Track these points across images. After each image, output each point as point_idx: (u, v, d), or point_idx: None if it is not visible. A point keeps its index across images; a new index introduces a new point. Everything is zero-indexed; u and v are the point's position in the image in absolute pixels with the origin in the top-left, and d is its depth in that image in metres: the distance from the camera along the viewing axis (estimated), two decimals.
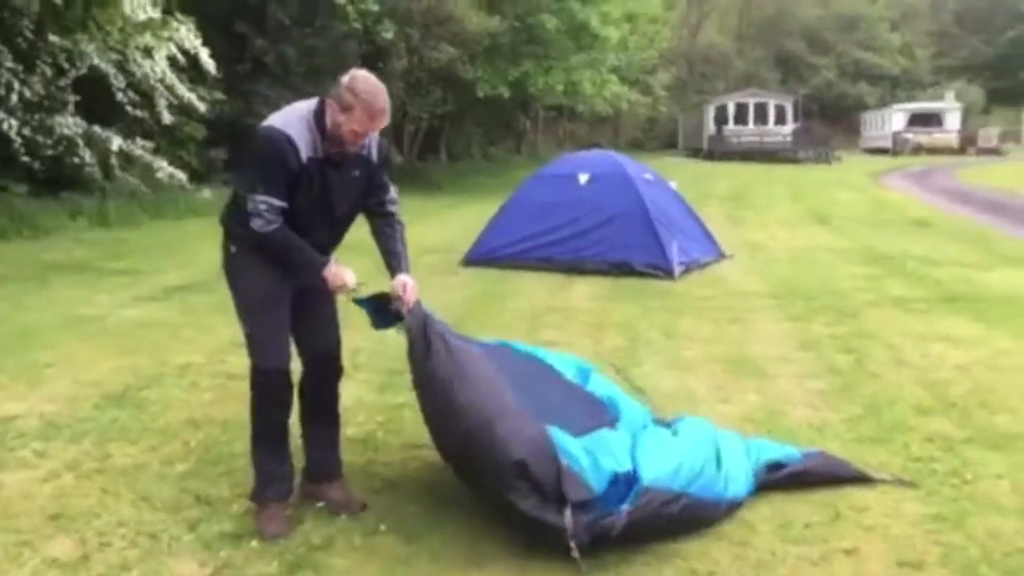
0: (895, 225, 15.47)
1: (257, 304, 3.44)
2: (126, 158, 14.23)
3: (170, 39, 12.21)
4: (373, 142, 3.49)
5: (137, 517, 3.58)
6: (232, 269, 3.51)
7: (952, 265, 10.24)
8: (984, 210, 18.39)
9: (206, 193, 15.21)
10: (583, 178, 10.07)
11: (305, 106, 3.36)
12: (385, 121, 3.30)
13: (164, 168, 13.78)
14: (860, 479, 3.88)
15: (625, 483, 3.24)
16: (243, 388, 5.28)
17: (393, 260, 3.60)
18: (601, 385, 4.16)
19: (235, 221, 3.44)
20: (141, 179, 14.26)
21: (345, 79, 3.27)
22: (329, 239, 3.56)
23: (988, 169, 33.50)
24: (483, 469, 3.30)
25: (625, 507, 3.15)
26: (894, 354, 6.13)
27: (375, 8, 18.31)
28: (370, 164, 3.52)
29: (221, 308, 7.54)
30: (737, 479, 3.65)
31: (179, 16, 12.21)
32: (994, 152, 45.83)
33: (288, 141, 3.24)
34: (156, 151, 14.52)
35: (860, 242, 12.80)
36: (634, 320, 7.31)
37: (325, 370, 3.67)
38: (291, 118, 3.32)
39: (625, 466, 3.29)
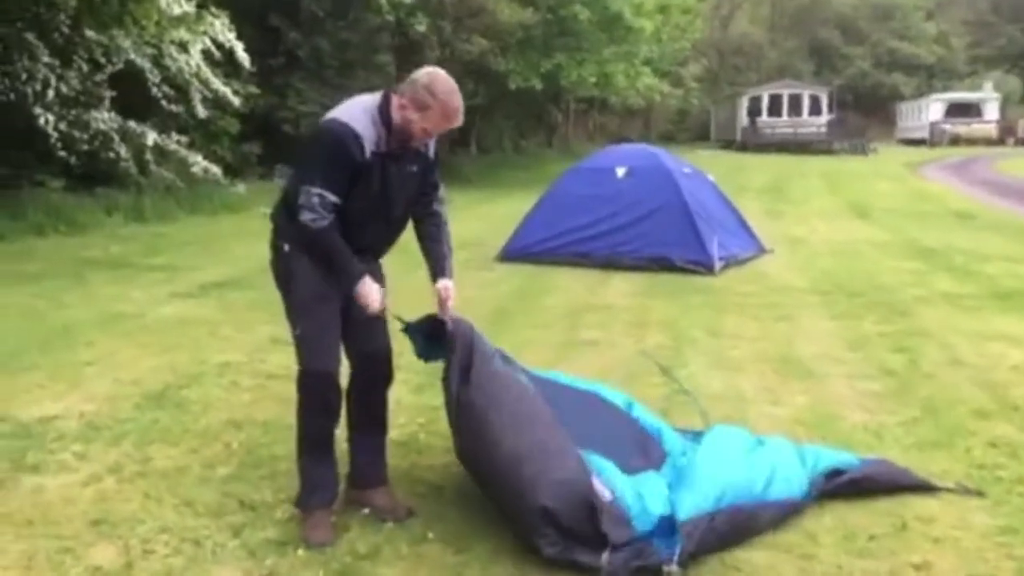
0: (937, 217, 15.19)
1: (308, 305, 3.34)
2: (160, 153, 14.23)
3: (205, 33, 12.19)
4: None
5: (180, 523, 3.50)
6: (283, 268, 3.41)
7: (1001, 260, 10.00)
8: None
9: (240, 188, 15.18)
10: (621, 172, 9.91)
11: (369, 100, 3.29)
12: (459, 121, 3.25)
13: (199, 163, 13.77)
14: (923, 487, 3.73)
15: (668, 525, 3.14)
16: (283, 388, 5.26)
17: (436, 264, 3.54)
18: (645, 414, 4.07)
19: (287, 218, 3.36)
20: (176, 174, 14.26)
21: (423, 79, 3.20)
22: (385, 238, 3.49)
23: None
24: (510, 508, 3.24)
25: (675, 563, 3.01)
26: (949, 353, 5.96)
27: (408, 0, 18.21)
28: (427, 160, 3.46)
29: (259, 305, 7.53)
30: (786, 480, 3.52)
31: (213, 10, 12.17)
32: None
33: (354, 135, 3.17)
34: (191, 146, 14.52)
35: (902, 235, 12.56)
36: (676, 318, 7.17)
37: (374, 374, 3.56)
38: (355, 111, 3.24)
39: (669, 509, 3.19)
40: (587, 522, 3.05)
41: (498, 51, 21.33)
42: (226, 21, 12.40)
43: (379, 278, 3.57)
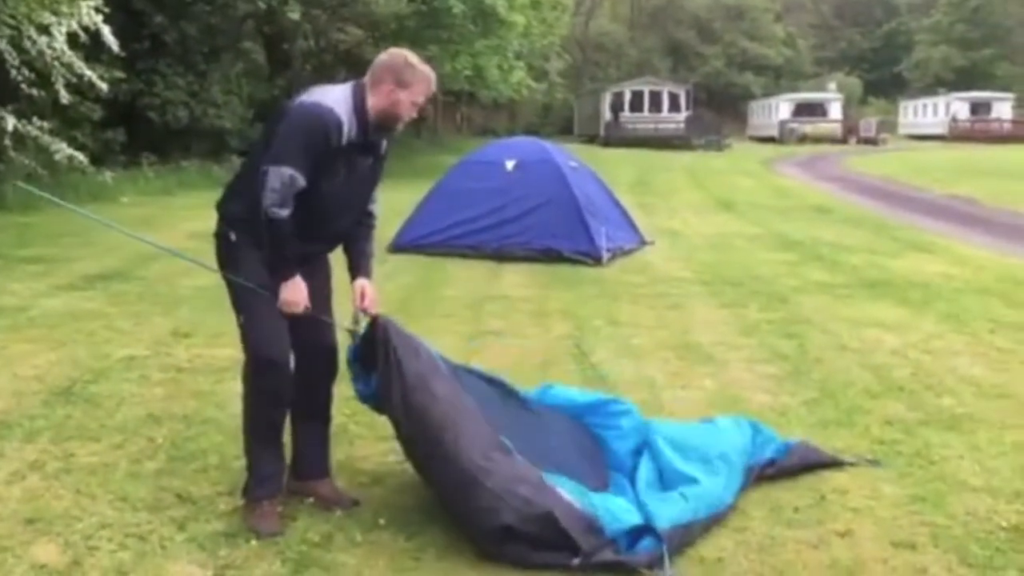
0: (797, 211, 15.98)
1: (257, 295, 3.31)
2: (19, 139, 13.50)
3: (72, 15, 11.62)
4: None
5: (119, 518, 3.43)
6: (231, 258, 3.38)
7: (862, 252, 10.65)
8: (873, 196, 19.26)
9: (107, 176, 14.58)
10: (510, 165, 10.07)
11: (341, 90, 3.32)
12: (435, 86, 3.41)
13: (63, 150, 13.12)
14: (834, 463, 4.00)
15: (642, 531, 3.18)
16: (195, 382, 5.22)
17: (357, 262, 3.58)
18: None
19: (236, 204, 3.35)
20: (37, 161, 13.57)
21: (398, 60, 3.31)
22: (344, 233, 3.52)
23: (869, 158, 34.98)
24: (471, 523, 3.20)
25: (668, 571, 3.03)
26: (833, 339, 6.35)
27: None
28: (379, 154, 3.48)
29: (149, 297, 7.36)
30: (736, 483, 3.64)
31: None
32: (872, 142, 47.76)
33: (338, 122, 3.19)
34: (52, 132, 13.81)
35: (768, 228, 13.18)
36: (574, 307, 7.37)
37: (321, 366, 3.56)
38: (336, 97, 3.26)
39: (636, 519, 3.23)
40: (555, 533, 3.06)
41: (372, 41, 21.14)
42: (96, 3, 11.83)
43: (326, 271, 3.59)
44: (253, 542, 3.25)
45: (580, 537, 3.06)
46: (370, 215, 3.63)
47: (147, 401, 4.79)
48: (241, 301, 3.38)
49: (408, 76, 3.28)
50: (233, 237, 3.35)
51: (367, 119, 3.28)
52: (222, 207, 3.43)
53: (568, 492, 3.20)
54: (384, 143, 3.50)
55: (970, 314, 7.19)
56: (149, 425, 4.44)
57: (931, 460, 4.09)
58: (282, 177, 3.14)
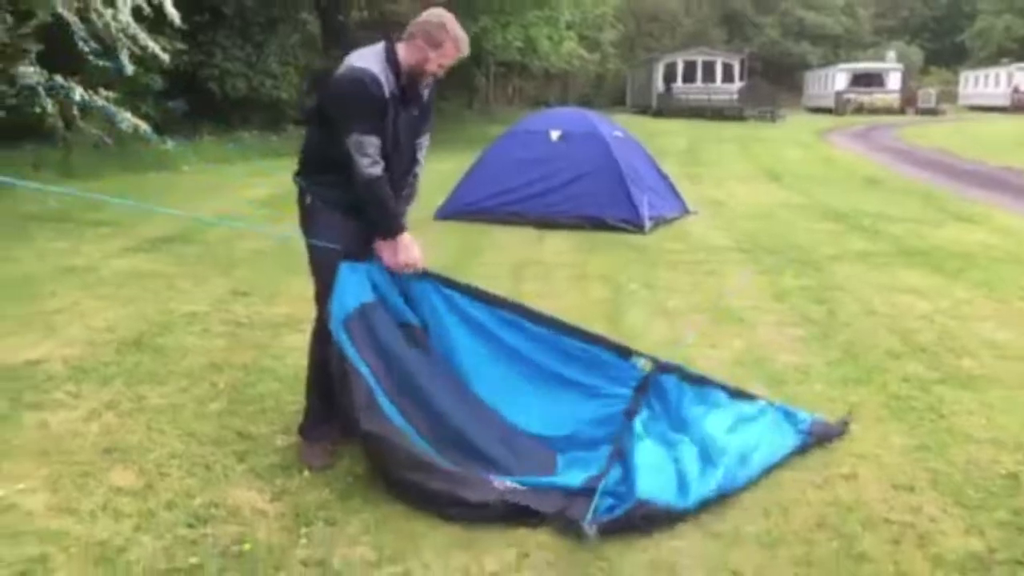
0: (846, 182, 15.97)
1: (331, 259, 3.55)
2: (86, 109, 14.04)
3: None
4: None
5: (187, 450, 3.82)
6: (308, 222, 3.65)
7: (906, 221, 10.73)
8: (925, 168, 19.04)
9: (169, 145, 15.10)
10: (555, 135, 10.31)
11: (373, 49, 3.50)
12: (467, 50, 3.55)
13: (128, 119, 13.63)
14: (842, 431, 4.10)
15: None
16: (254, 335, 5.58)
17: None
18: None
19: (313, 173, 3.62)
20: (103, 130, 14.10)
21: (434, 19, 3.47)
22: (400, 184, 3.67)
23: (925, 129, 34.34)
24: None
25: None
26: (863, 305, 6.54)
27: None
28: (423, 103, 3.69)
29: (209, 259, 7.76)
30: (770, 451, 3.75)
31: None
32: (931, 112, 46.90)
33: (375, 79, 3.39)
34: (117, 102, 14.33)
35: (815, 199, 13.25)
36: (613, 272, 7.63)
37: None
38: (369, 57, 3.45)
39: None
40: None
41: (423, 12, 21.34)
42: None
43: None
44: (305, 473, 3.61)
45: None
46: (415, 162, 3.79)
47: (209, 351, 5.18)
48: (314, 264, 3.66)
49: (439, 36, 3.43)
50: (308, 200, 3.64)
51: (399, 71, 3.47)
52: (298, 178, 3.69)
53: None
54: (426, 92, 3.68)
55: (1004, 282, 7.31)
56: (212, 372, 4.82)
57: (941, 414, 4.32)
58: (362, 143, 3.38)
